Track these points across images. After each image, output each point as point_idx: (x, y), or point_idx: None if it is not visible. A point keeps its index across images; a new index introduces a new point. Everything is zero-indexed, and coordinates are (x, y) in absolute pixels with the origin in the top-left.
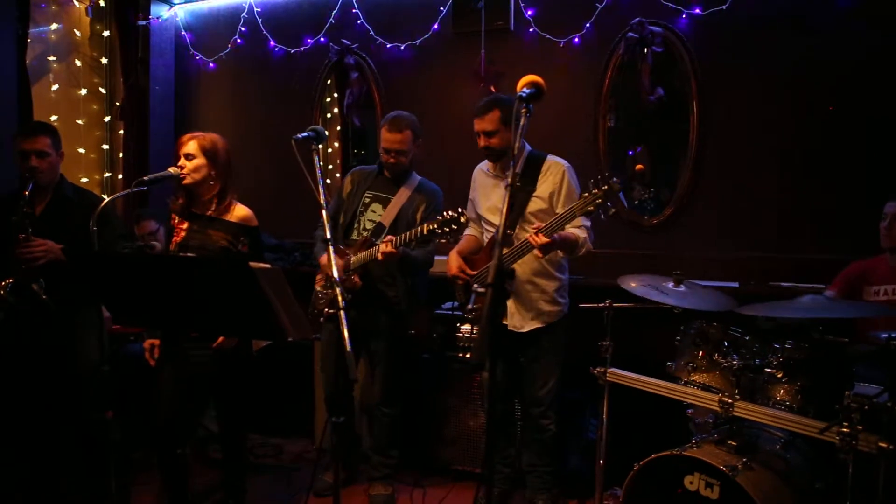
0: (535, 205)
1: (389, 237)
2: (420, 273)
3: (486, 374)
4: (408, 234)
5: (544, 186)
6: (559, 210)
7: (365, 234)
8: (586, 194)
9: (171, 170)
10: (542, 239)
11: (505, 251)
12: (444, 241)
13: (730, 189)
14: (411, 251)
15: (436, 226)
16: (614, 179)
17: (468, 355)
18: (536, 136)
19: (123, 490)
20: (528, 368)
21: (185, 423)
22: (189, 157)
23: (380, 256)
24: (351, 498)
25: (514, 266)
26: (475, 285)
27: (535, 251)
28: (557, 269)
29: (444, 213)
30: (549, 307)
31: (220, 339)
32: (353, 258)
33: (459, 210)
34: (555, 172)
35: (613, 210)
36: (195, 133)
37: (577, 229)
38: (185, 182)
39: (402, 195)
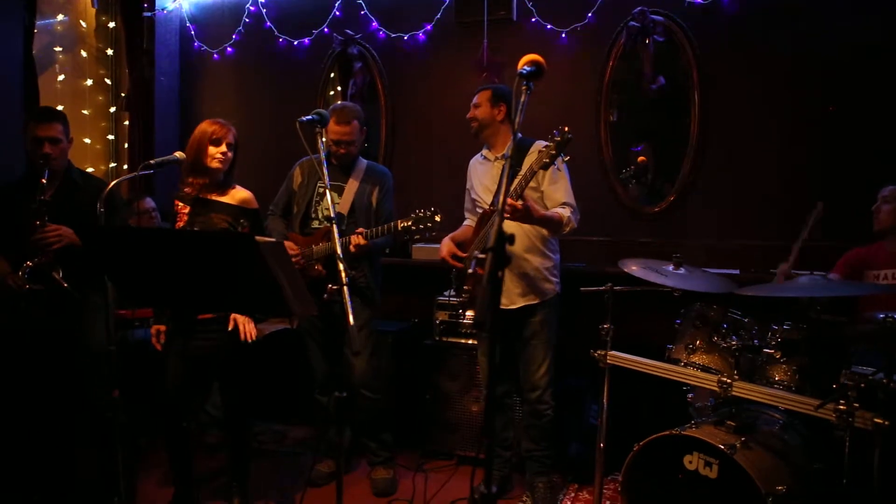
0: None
1: (361, 229)
2: (378, 254)
3: (483, 359)
4: (380, 228)
5: (528, 165)
6: (543, 188)
7: (326, 224)
8: (542, 149)
9: (178, 154)
10: (510, 201)
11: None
12: (417, 237)
13: (731, 177)
14: (376, 240)
15: (410, 223)
16: (566, 130)
17: (470, 312)
18: (539, 124)
19: (130, 471)
20: (522, 352)
21: (192, 397)
22: (231, 146)
23: (352, 249)
24: (349, 485)
25: None
26: (476, 251)
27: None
28: (548, 247)
29: (418, 211)
30: (540, 284)
31: (243, 329)
32: (315, 247)
33: (433, 209)
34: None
35: (568, 157)
36: (220, 121)
37: (560, 209)
38: (223, 169)
39: (354, 183)
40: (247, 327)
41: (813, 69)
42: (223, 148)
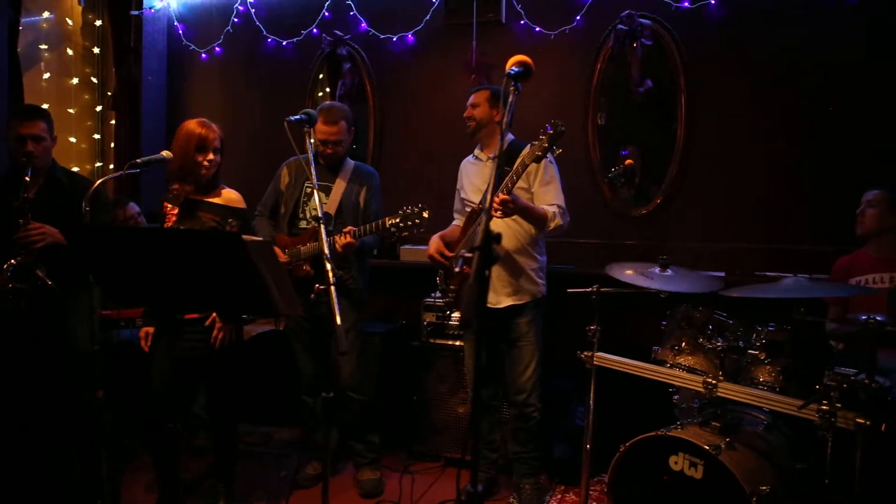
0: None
1: (349, 228)
2: (367, 255)
3: (470, 362)
4: (368, 226)
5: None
6: (534, 189)
7: (314, 223)
8: (534, 142)
9: (164, 153)
10: (501, 195)
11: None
12: (405, 234)
13: (717, 180)
14: (365, 238)
15: (398, 220)
16: (558, 123)
17: (457, 313)
18: (526, 126)
19: (114, 473)
20: (508, 354)
21: (178, 398)
22: (217, 150)
23: (339, 248)
24: (336, 486)
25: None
26: (463, 251)
27: (496, 213)
28: (535, 248)
29: (406, 208)
30: (526, 284)
31: (218, 334)
32: (302, 248)
33: (420, 205)
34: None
35: (560, 150)
36: (204, 122)
37: (547, 206)
38: (209, 174)
39: (341, 183)
40: (219, 334)
41: (800, 73)
42: (209, 155)
